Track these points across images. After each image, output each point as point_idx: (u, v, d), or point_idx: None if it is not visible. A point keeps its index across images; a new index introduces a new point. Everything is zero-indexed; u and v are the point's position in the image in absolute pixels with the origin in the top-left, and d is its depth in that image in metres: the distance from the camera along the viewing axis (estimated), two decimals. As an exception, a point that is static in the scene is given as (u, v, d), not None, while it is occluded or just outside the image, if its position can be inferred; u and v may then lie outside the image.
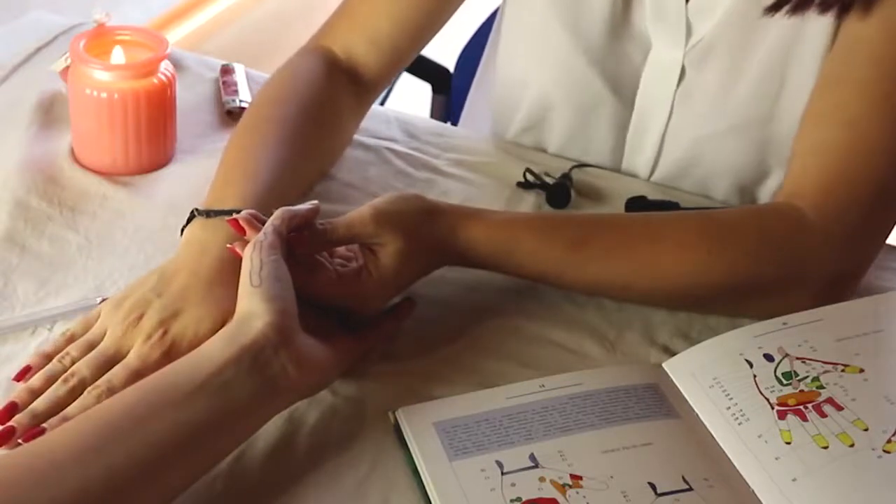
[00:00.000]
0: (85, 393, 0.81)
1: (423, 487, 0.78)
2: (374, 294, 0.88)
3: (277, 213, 0.85)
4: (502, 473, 0.78)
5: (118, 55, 1.05)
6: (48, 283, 0.94)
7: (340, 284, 0.87)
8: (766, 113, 1.06)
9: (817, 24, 0.99)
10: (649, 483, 0.77)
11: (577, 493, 0.76)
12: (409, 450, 0.81)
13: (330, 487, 0.79)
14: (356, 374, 0.87)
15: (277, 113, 1.02)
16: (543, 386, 0.85)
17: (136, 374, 0.81)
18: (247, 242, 0.84)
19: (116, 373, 0.82)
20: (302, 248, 0.85)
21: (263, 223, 0.85)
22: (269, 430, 0.80)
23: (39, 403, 0.81)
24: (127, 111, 1.03)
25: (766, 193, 1.11)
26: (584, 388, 0.85)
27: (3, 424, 0.79)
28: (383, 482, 0.79)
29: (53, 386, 0.82)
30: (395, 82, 1.49)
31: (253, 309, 0.78)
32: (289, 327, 0.78)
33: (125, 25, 1.08)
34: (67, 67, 1.06)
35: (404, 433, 0.81)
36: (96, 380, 0.82)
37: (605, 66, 1.11)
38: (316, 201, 0.88)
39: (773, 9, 0.99)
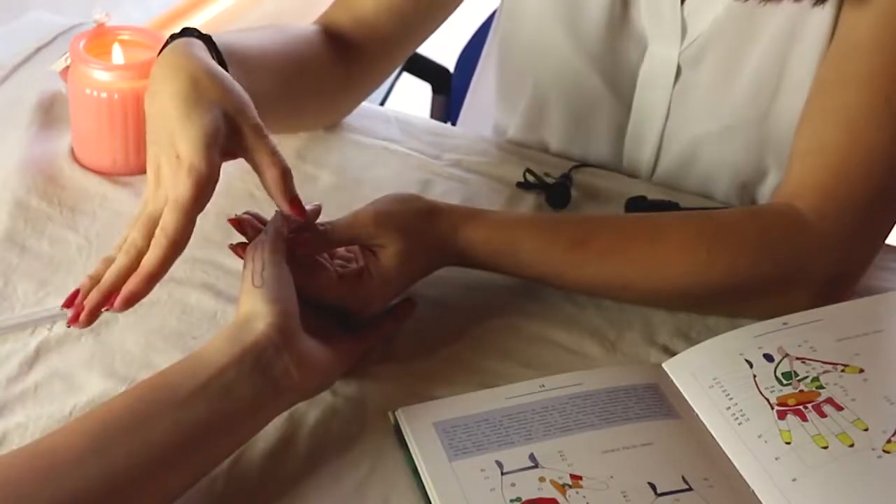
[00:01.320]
0: (152, 241, 0.79)
1: (423, 488, 0.78)
2: (375, 295, 0.88)
3: (278, 213, 0.85)
4: (502, 473, 0.78)
5: (118, 55, 1.05)
6: (48, 283, 0.94)
7: (341, 285, 0.87)
8: (762, 112, 1.06)
9: (813, 24, 0.99)
10: (649, 483, 0.77)
11: (577, 493, 0.76)
12: (409, 450, 0.81)
13: (330, 488, 0.79)
14: (356, 374, 0.87)
15: (257, 29, 1.02)
16: (543, 386, 0.85)
17: (183, 211, 0.78)
18: (247, 243, 0.84)
19: (166, 218, 0.79)
20: (303, 249, 0.86)
21: (264, 224, 0.85)
22: (269, 431, 0.80)
23: (107, 277, 0.79)
24: (127, 111, 1.03)
25: (765, 192, 1.11)
26: (584, 388, 0.85)
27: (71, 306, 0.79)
28: (383, 482, 0.79)
29: (115, 262, 0.80)
30: (394, 82, 1.49)
31: (255, 310, 0.78)
32: (291, 328, 0.78)
33: (125, 25, 1.09)
34: (67, 67, 1.06)
35: (404, 433, 0.81)
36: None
37: (604, 64, 1.11)
38: (317, 203, 0.88)
39: None
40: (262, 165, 0.82)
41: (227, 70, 0.86)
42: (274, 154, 0.82)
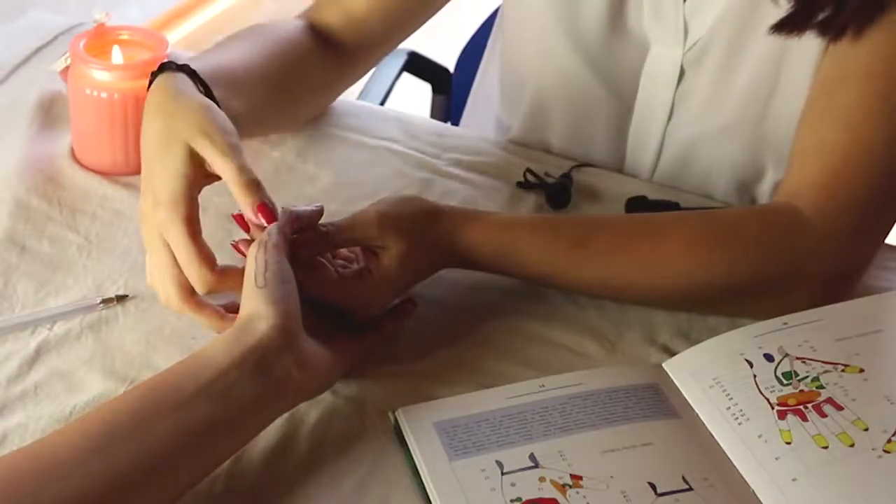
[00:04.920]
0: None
1: (423, 487, 0.78)
2: (376, 295, 0.88)
3: (282, 214, 0.85)
4: (502, 473, 0.78)
5: (118, 55, 1.05)
6: (48, 283, 0.94)
7: (342, 286, 0.87)
8: (761, 111, 1.06)
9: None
10: (649, 483, 0.77)
11: (578, 493, 0.76)
12: (409, 450, 0.81)
13: (330, 487, 0.79)
14: (356, 374, 0.87)
15: (244, 34, 1.04)
16: (543, 386, 0.85)
17: (187, 251, 0.83)
18: (250, 242, 0.84)
19: (187, 271, 0.83)
20: (305, 249, 0.86)
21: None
22: (269, 431, 0.80)
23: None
24: (127, 111, 1.03)
25: (764, 191, 1.12)
26: (584, 388, 0.85)
27: None
28: (383, 482, 0.79)
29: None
30: (394, 82, 1.49)
31: (258, 310, 0.78)
32: (293, 330, 0.78)
33: (125, 25, 1.08)
34: (67, 67, 1.06)
35: (404, 433, 0.81)
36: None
37: (602, 66, 1.11)
38: (320, 204, 0.88)
39: (778, 28, 0.98)
40: (228, 184, 0.83)
41: (213, 95, 0.89)
42: (238, 171, 0.83)
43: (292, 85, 1.04)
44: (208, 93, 0.89)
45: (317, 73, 1.07)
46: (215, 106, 0.86)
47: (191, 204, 0.83)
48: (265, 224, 0.82)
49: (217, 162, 0.83)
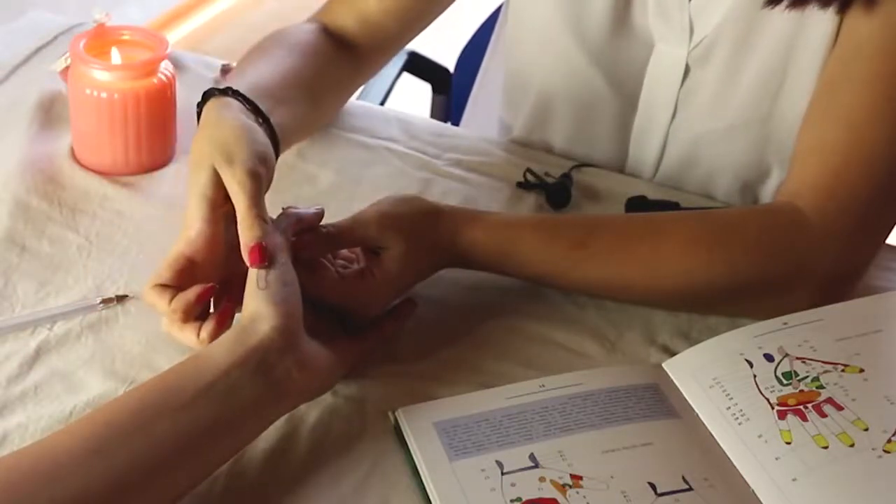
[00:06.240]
0: None
1: (423, 487, 0.78)
2: (376, 296, 0.88)
3: (282, 215, 0.85)
4: (502, 473, 0.78)
5: (118, 55, 1.05)
6: (48, 283, 0.94)
7: (342, 286, 0.87)
8: (766, 111, 1.06)
9: (819, 23, 0.99)
10: (649, 483, 0.77)
11: (578, 493, 0.77)
12: (409, 450, 0.81)
13: (330, 487, 0.79)
14: (356, 374, 0.87)
15: (267, 45, 1.04)
16: (543, 386, 0.85)
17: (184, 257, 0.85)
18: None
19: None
20: (306, 250, 0.86)
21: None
22: (270, 431, 0.80)
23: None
24: (127, 111, 1.03)
25: (767, 192, 1.12)
26: (585, 388, 0.85)
27: None
28: (383, 482, 0.79)
29: None
30: (394, 82, 1.49)
31: (260, 312, 0.78)
32: (294, 331, 0.78)
33: (125, 25, 1.09)
34: (67, 67, 1.06)
35: (404, 433, 0.82)
36: None
37: (606, 63, 1.11)
38: (321, 206, 0.88)
39: (773, 1, 0.98)
40: (237, 214, 0.83)
41: (260, 112, 0.90)
42: (247, 207, 0.82)
43: (319, 89, 1.05)
44: (255, 109, 0.90)
45: (335, 73, 1.08)
46: (254, 128, 0.87)
47: (205, 226, 0.84)
48: (249, 265, 0.81)
49: (233, 190, 0.83)
